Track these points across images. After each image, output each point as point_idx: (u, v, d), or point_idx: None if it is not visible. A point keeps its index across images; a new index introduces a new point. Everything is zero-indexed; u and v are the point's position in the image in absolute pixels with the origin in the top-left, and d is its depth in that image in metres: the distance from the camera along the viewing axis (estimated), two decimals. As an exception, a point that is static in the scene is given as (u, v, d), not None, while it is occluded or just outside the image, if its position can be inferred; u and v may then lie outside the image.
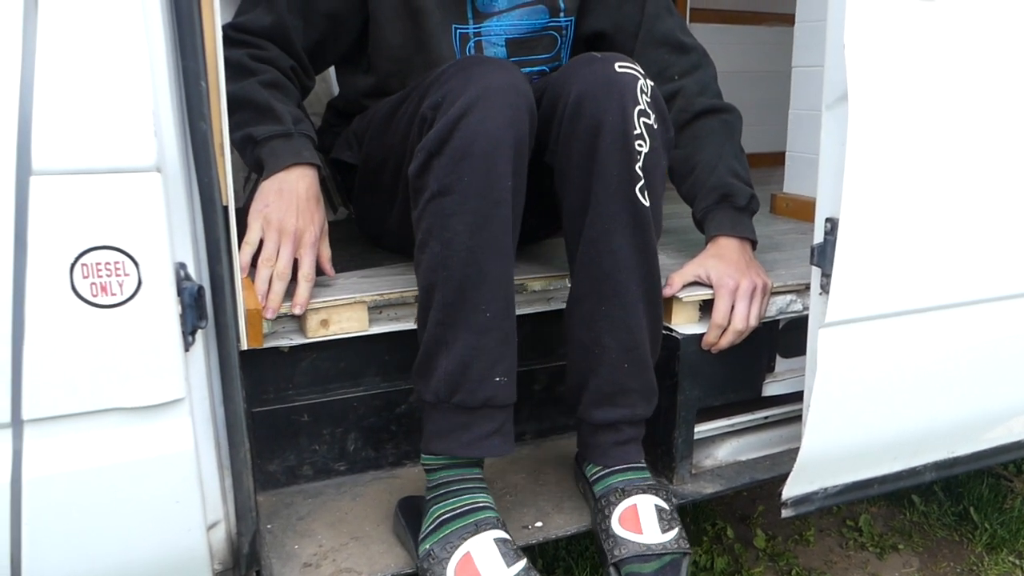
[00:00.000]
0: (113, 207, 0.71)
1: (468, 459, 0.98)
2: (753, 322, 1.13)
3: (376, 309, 1.13)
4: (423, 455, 1.00)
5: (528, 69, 1.28)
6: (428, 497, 0.98)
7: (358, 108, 1.27)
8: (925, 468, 1.16)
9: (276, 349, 1.07)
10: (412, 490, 1.10)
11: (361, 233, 1.39)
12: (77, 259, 0.70)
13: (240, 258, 0.99)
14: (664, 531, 0.99)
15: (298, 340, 1.08)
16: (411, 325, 1.09)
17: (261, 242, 1.03)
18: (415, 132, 0.99)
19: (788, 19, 1.87)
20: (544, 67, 1.29)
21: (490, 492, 0.99)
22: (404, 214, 1.04)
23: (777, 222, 1.74)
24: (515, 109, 0.93)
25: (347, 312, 1.08)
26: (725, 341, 1.12)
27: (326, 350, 1.11)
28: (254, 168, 1.12)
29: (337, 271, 1.13)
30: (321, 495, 1.12)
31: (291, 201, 1.04)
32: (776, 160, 1.95)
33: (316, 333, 1.07)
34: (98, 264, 0.71)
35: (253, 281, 1.03)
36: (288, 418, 1.11)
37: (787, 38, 1.86)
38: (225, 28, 1.13)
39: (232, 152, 1.03)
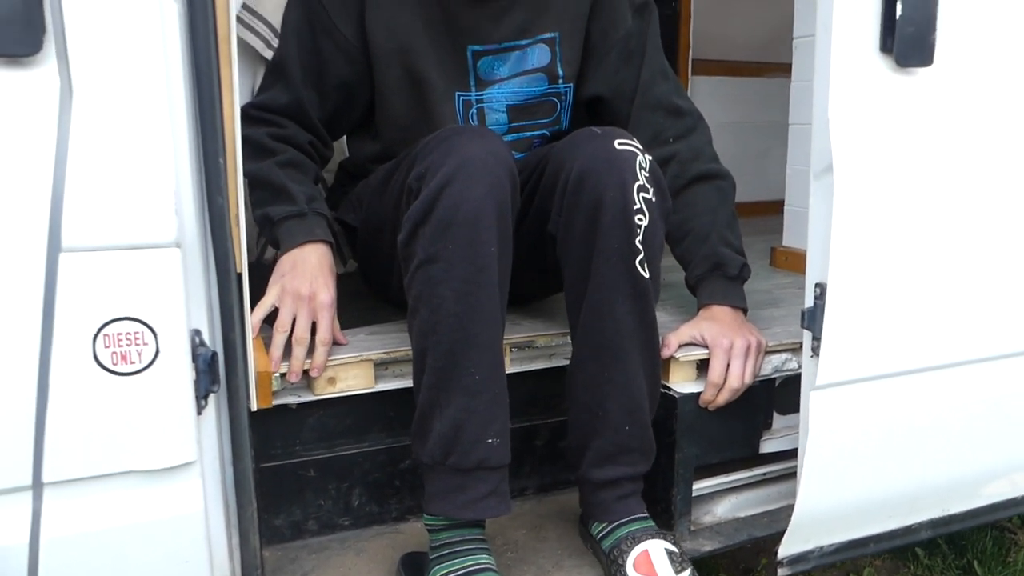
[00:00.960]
0: (135, 280, 0.75)
1: (468, 520, 1.00)
2: (748, 380, 1.16)
3: (382, 366, 1.16)
4: (425, 515, 1.03)
5: (529, 133, 1.33)
6: (431, 556, 1.00)
7: (365, 172, 1.33)
8: (921, 526, 1.18)
9: (284, 406, 1.11)
10: (415, 545, 1.12)
11: (367, 288, 1.43)
12: (100, 330, 0.74)
13: (252, 319, 1.03)
14: (678, 572, 1.02)
15: (306, 397, 1.11)
16: (415, 383, 1.13)
17: (276, 310, 1.07)
18: (404, 201, 1.03)
19: (788, 69, 1.90)
20: (545, 131, 1.34)
21: (492, 552, 1.01)
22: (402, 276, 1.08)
23: (776, 275, 1.78)
24: (495, 177, 0.97)
25: (354, 370, 1.12)
26: (722, 399, 1.15)
27: (333, 407, 1.14)
28: (272, 244, 1.18)
29: (344, 327, 1.16)
30: (326, 550, 1.14)
31: (305, 270, 1.09)
32: (777, 208, 1.98)
33: (323, 390, 1.11)
34: (119, 334, 0.75)
35: (264, 341, 1.07)
36: (295, 473, 1.14)
37: (787, 89, 1.90)
38: (246, 107, 1.20)
39: (246, 214, 1.08)
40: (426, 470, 1.01)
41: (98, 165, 0.73)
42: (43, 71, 0.71)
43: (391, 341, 1.17)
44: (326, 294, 1.10)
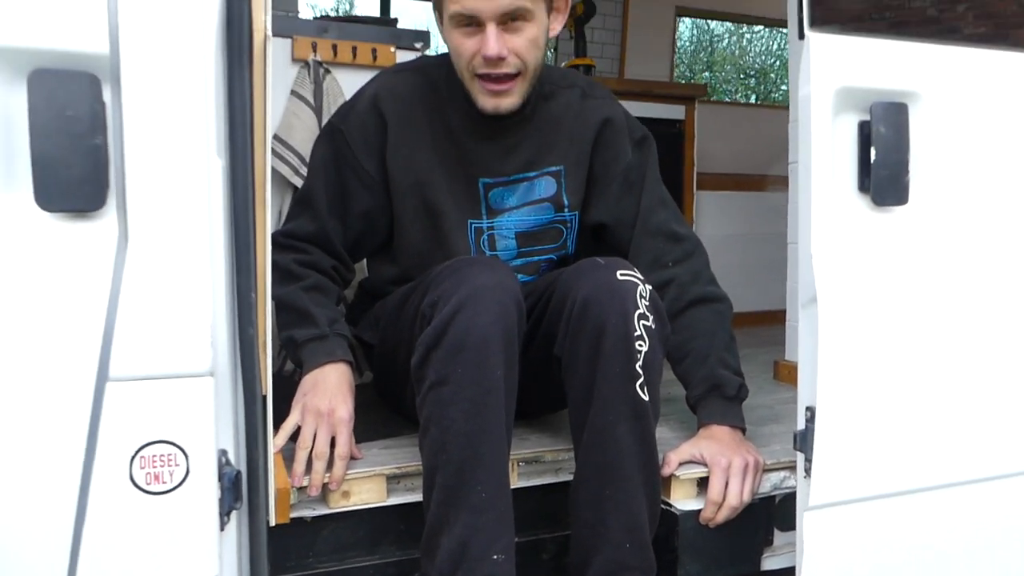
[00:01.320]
0: (171, 406, 0.83)
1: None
2: (746, 498, 1.20)
3: (394, 479, 1.21)
4: (433, 632, 1.05)
5: (537, 258, 1.42)
6: (438, 673, 1.03)
7: (383, 292, 1.42)
8: (925, 648, 1.18)
9: (300, 519, 1.15)
10: (422, 662, 1.13)
11: (381, 399, 1.49)
12: (137, 452, 0.81)
13: (276, 440, 1.09)
14: None
15: (321, 510, 1.16)
16: (425, 496, 1.17)
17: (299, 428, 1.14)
18: (418, 326, 1.12)
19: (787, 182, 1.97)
20: (552, 255, 1.43)
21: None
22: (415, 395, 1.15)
23: (779, 390, 1.82)
24: (502, 305, 1.05)
25: (367, 484, 1.17)
26: (721, 516, 1.18)
27: (346, 519, 1.18)
28: (295, 364, 1.26)
29: (358, 439, 1.22)
30: (335, 664, 1.16)
31: (325, 389, 1.17)
32: (781, 318, 2.02)
33: (337, 504, 1.16)
34: (154, 456, 0.82)
35: (283, 454, 1.13)
36: (307, 586, 1.17)
37: (786, 201, 1.98)
38: (276, 235, 1.31)
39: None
40: (435, 586, 1.05)
41: (146, 303, 0.82)
42: (104, 222, 0.81)
43: (403, 455, 1.23)
44: (344, 410, 1.16)
